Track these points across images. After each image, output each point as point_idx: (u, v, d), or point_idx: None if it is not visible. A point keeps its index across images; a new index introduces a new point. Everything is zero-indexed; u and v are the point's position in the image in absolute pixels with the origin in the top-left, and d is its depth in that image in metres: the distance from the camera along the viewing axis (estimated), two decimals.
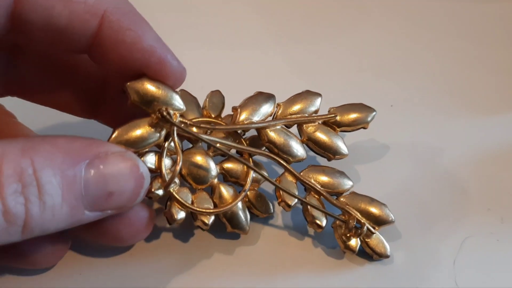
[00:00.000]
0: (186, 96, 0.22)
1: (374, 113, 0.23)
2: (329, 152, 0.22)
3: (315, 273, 0.22)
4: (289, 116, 0.22)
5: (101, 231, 0.20)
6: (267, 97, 0.22)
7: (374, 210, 0.22)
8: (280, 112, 0.22)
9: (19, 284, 0.21)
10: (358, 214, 0.22)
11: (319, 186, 0.22)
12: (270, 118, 0.22)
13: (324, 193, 0.22)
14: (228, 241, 0.23)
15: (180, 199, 0.20)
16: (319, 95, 0.23)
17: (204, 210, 0.20)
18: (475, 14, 0.34)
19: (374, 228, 0.21)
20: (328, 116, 0.23)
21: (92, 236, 0.21)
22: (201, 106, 0.23)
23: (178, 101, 0.20)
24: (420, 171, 0.26)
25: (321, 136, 0.22)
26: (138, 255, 0.22)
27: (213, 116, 0.22)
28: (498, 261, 0.22)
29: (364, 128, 0.23)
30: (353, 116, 0.23)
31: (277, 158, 0.22)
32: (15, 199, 0.16)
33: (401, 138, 0.27)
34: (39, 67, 0.22)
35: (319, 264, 0.22)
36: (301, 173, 0.22)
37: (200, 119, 0.22)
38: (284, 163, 0.22)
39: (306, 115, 0.22)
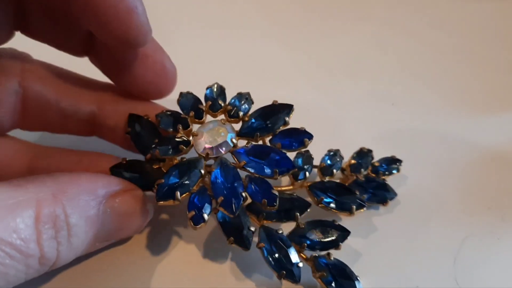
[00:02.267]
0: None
1: None
2: None
3: None
4: None
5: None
6: None
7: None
8: None
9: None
10: None
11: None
12: None
13: None
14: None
15: None
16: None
17: None
18: (474, 13, 0.34)
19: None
20: None
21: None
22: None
23: None
24: (421, 170, 0.25)
25: None
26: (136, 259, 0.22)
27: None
28: (499, 260, 0.22)
29: None
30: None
31: None
32: (50, 244, 0.17)
33: (401, 137, 0.27)
34: (41, 11, 0.22)
35: None
36: None
37: None
38: None
39: None
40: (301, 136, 0.21)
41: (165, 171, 0.21)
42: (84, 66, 0.23)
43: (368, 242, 0.23)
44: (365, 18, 0.34)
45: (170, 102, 0.23)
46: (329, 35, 0.33)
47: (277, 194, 0.20)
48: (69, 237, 0.18)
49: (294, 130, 0.22)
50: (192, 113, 0.22)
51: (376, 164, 0.25)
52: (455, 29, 0.33)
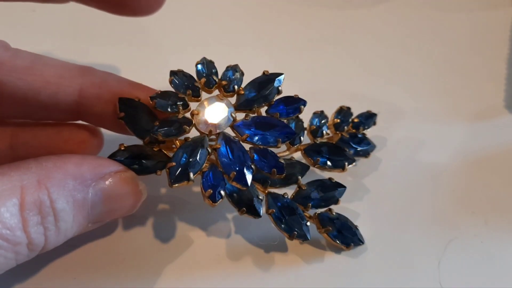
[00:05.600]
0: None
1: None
2: None
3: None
4: None
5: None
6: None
7: None
8: None
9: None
10: None
11: None
12: None
13: None
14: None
15: None
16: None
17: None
18: (462, 23, 0.35)
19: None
20: None
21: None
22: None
23: None
24: (406, 174, 0.26)
25: None
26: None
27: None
28: (482, 263, 0.22)
29: None
30: None
31: None
32: (37, 230, 0.17)
33: (387, 141, 0.28)
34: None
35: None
36: None
37: None
38: None
39: None
40: (296, 103, 0.22)
41: (166, 153, 0.21)
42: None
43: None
44: (356, 28, 0.35)
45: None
46: (320, 44, 0.34)
47: (283, 162, 0.21)
48: (56, 222, 0.18)
49: (289, 98, 0.22)
50: (189, 92, 0.22)
51: (356, 120, 0.26)
52: (444, 37, 0.34)
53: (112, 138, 0.24)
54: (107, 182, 0.20)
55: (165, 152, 0.21)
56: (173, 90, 0.22)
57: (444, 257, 0.23)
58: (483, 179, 0.26)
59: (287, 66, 0.32)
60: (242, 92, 0.22)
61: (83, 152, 0.22)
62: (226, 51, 0.32)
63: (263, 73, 0.23)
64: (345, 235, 0.23)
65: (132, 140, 0.22)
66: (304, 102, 0.22)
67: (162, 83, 0.23)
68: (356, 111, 0.27)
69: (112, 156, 0.21)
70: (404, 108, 0.30)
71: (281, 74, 0.23)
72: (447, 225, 0.24)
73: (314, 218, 0.23)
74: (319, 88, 0.30)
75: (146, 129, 0.21)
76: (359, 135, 0.26)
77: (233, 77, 0.22)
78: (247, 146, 0.21)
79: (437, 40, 0.34)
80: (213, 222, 0.24)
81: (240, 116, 0.22)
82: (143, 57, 0.31)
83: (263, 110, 0.23)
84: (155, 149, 0.21)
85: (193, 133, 0.21)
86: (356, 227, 0.23)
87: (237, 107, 0.22)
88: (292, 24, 0.35)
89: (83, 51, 0.31)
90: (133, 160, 0.21)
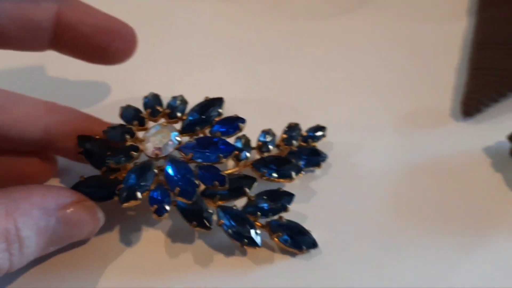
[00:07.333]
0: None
1: None
2: None
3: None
4: None
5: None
6: None
7: None
8: None
9: None
10: None
11: None
12: None
13: None
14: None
15: None
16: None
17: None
18: (416, 34, 0.37)
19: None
20: None
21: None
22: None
23: None
24: (347, 185, 0.27)
25: None
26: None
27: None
28: (427, 271, 0.23)
29: None
30: None
31: None
32: (3, 256, 0.20)
33: (328, 153, 0.28)
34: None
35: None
36: None
37: None
38: None
39: None
40: (235, 122, 0.25)
41: (121, 179, 0.24)
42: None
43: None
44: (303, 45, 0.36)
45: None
46: (276, 57, 0.36)
47: (225, 175, 0.23)
48: (20, 248, 0.20)
49: (229, 118, 0.25)
50: (135, 122, 0.24)
51: (305, 134, 0.28)
52: (391, 48, 0.36)
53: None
54: (68, 211, 0.22)
55: (120, 179, 0.24)
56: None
57: (387, 266, 0.24)
58: (426, 185, 0.27)
59: (240, 78, 0.34)
60: (185, 117, 0.25)
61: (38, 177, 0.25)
62: (181, 65, 0.34)
63: (205, 98, 0.25)
64: (296, 239, 0.24)
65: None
66: (242, 120, 0.25)
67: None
68: (306, 122, 0.28)
69: (74, 187, 0.24)
70: (354, 116, 0.31)
71: (221, 98, 0.25)
72: (389, 235, 0.25)
73: (266, 226, 0.24)
74: (274, 100, 0.32)
75: (102, 160, 0.24)
76: (309, 147, 0.27)
77: (176, 105, 0.25)
78: (192, 165, 0.23)
79: (390, 50, 0.36)
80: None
81: (186, 140, 0.24)
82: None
83: (207, 132, 0.25)
84: (112, 178, 0.24)
85: (143, 159, 0.24)
86: (308, 231, 0.24)
87: (182, 131, 0.25)
88: (247, 35, 0.37)
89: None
90: (92, 189, 0.23)
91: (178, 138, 0.24)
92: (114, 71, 0.29)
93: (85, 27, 0.25)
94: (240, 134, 0.25)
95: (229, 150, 0.23)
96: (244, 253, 0.24)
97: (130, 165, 0.24)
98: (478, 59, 0.34)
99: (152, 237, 0.25)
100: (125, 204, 0.22)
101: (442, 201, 0.26)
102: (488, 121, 0.30)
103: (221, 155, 0.23)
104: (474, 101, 0.31)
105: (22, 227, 0.20)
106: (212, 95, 0.26)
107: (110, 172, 0.24)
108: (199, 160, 0.23)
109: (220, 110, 0.25)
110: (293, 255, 0.24)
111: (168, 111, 0.25)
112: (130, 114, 0.25)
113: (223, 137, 0.24)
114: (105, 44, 0.26)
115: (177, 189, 0.22)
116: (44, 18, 0.25)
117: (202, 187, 0.23)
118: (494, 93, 0.31)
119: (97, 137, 0.24)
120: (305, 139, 0.28)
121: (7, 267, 0.20)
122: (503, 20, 0.36)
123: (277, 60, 0.35)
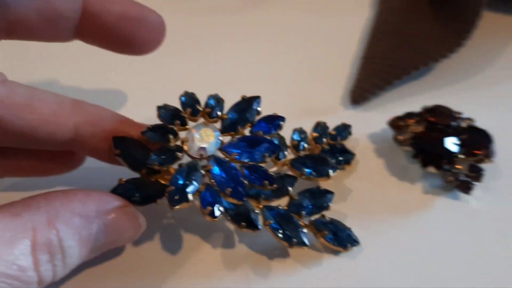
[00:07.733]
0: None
1: None
2: None
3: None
4: None
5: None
6: None
7: None
8: None
9: None
10: None
11: None
12: None
13: None
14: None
15: None
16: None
17: None
18: (320, 26, 0.38)
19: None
20: None
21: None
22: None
23: None
24: None
25: None
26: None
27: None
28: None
29: None
30: None
31: None
32: (46, 268, 0.19)
33: None
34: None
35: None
36: None
37: None
38: None
39: None
40: (276, 120, 0.24)
41: (163, 182, 0.23)
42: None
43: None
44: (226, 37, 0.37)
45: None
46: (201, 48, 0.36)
47: (273, 174, 0.22)
48: (63, 258, 0.19)
49: (270, 117, 0.24)
50: (177, 122, 0.23)
51: (333, 132, 0.28)
52: (295, 39, 0.37)
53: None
54: (109, 217, 0.21)
55: (161, 181, 0.23)
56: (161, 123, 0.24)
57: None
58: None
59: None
60: (226, 117, 0.24)
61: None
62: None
63: (242, 97, 0.25)
64: (341, 237, 0.24)
65: (124, 169, 0.23)
66: (283, 119, 0.24)
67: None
68: None
69: (114, 191, 0.22)
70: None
71: (259, 97, 0.25)
72: None
73: (309, 225, 0.24)
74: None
75: (141, 162, 0.23)
76: (338, 146, 0.28)
77: (214, 104, 0.24)
78: (237, 165, 0.23)
79: (294, 42, 0.36)
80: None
81: (227, 139, 0.24)
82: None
83: (247, 131, 0.24)
84: (152, 180, 0.23)
85: (186, 160, 0.23)
86: (349, 228, 0.24)
87: (223, 131, 0.24)
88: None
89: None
90: (133, 192, 0.22)
91: (220, 138, 0.23)
92: None
93: (110, 16, 0.24)
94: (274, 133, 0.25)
95: (274, 149, 0.23)
96: (285, 255, 0.24)
97: (173, 167, 0.23)
98: (368, 49, 0.35)
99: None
100: (176, 207, 0.21)
101: (327, 185, 0.26)
102: (376, 108, 0.31)
103: (266, 154, 0.23)
104: (361, 89, 0.32)
105: (64, 237, 0.19)
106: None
107: (149, 174, 0.23)
108: (246, 160, 0.23)
109: (258, 109, 0.24)
110: (336, 253, 0.24)
111: (208, 110, 0.24)
112: (169, 113, 0.24)
113: (265, 136, 0.24)
114: (131, 33, 0.24)
115: (228, 190, 0.21)
116: (70, 8, 0.23)
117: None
118: (380, 81, 0.32)
119: (133, 137, 0.23)
120: (333, 137, 0.28)
121: (50, 279, 0.19)
122: (394, 10, 0.37)
123: (180, 56, 0.35)
